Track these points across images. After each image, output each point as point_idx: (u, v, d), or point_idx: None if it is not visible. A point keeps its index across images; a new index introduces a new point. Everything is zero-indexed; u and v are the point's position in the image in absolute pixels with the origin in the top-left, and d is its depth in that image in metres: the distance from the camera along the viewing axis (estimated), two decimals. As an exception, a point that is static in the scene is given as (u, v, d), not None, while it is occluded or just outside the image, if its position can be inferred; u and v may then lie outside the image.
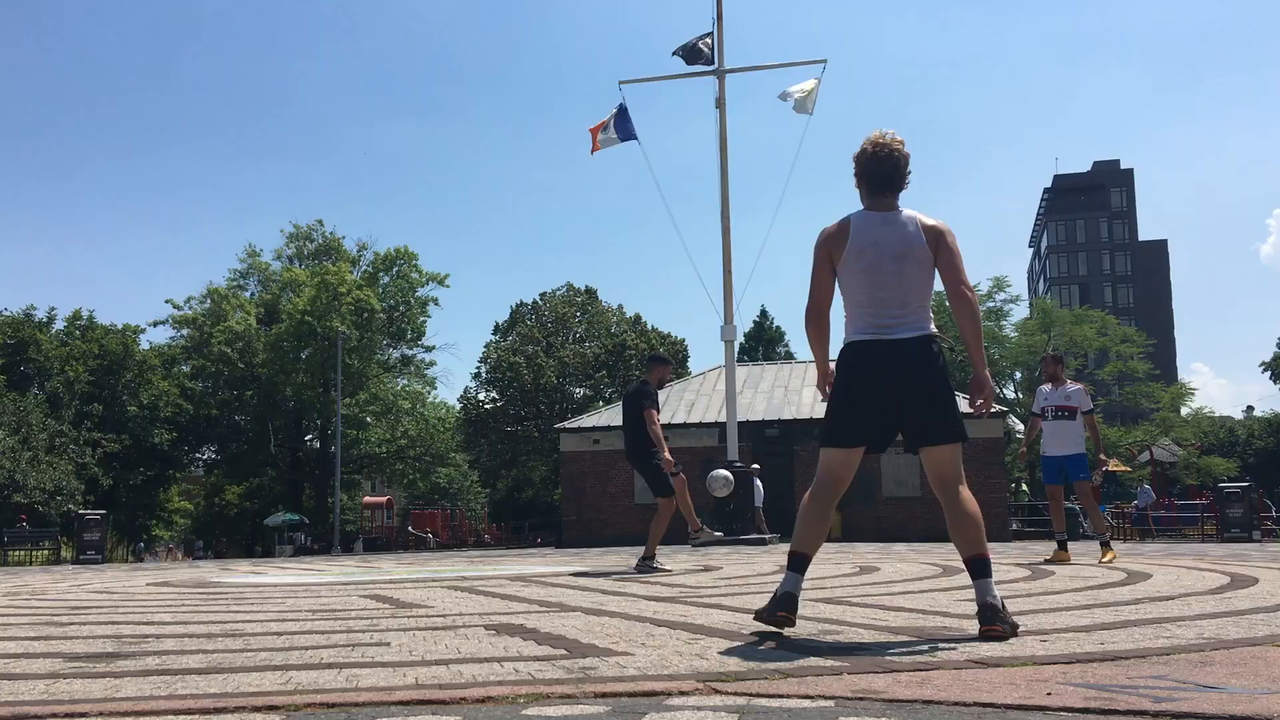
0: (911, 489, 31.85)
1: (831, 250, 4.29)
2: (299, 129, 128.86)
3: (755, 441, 31.60)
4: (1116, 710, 2.55)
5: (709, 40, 23.03)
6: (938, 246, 4.23)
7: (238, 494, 60.52)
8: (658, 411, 9.59)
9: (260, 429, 51.83)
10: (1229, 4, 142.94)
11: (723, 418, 24.18)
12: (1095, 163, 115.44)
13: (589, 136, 24.00)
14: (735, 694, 2.84)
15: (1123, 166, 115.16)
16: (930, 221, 4.27)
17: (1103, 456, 11.07)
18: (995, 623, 3.87)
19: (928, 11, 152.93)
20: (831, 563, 10.39)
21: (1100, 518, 10.74)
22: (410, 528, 47.39)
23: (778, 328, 66.69)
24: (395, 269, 53.45)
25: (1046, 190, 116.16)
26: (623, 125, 23.93)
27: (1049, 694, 2.74)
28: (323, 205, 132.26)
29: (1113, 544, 14.41)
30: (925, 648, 3.68)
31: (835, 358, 4.41)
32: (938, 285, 4.32)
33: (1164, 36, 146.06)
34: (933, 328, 4.27)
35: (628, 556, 14.20)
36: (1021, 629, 4.12)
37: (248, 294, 56.10)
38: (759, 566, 9.81)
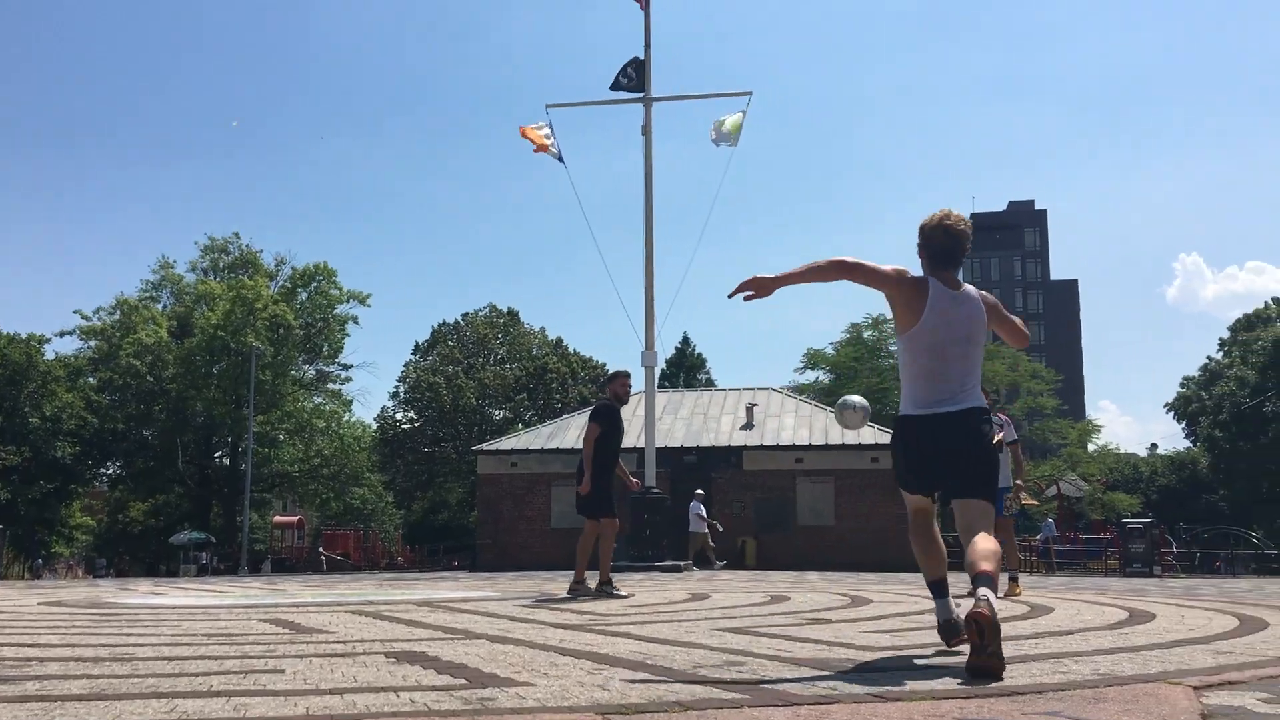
0: (826, 518, 32.15)
1: (908, 296, 4.44)
2: (218, 140, 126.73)
3: (673, 468, 31.64)
4: (1009, 747, 2.57)
5: (637, 66, 23.17)
6: (992, 319, 4.67)
7: (143, 511, 58.86)
8: (601, 427, 9.43)
9: (168, 444, 50.53)
10: (1143, 52, 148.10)
11: (641, 443, 24.23)
12: (1010, 202, 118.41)
13: (511, 154, 24.03)
14: (633, 727, 2.80)
15: (1037, 207, 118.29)
16: (989, 298, 4.66)
17: (1019, 483, 10.74)
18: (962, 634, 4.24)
19: (851, 48, 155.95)
20: (743, 591, 10.41)
21: (1014, 552, 10.64)
22: (321, 549, 46.54)
23: (699, 355, 67.02)
24: (314, 285, 52.65)
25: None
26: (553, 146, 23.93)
27: (944, 730, 2.75)
28: (240, 218, 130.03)
29: (1019, 578, 14.69)
30: (828, 681, 3.69)
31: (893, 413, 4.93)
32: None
33: (1080, 81, 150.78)
34: (981, 399, 4.56)
35: (540, 582, 14.08)
36: (922, 661, 4.15)
37: (160, 306, 54.80)
38: (671, 594, 9.78)
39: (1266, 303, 55.22)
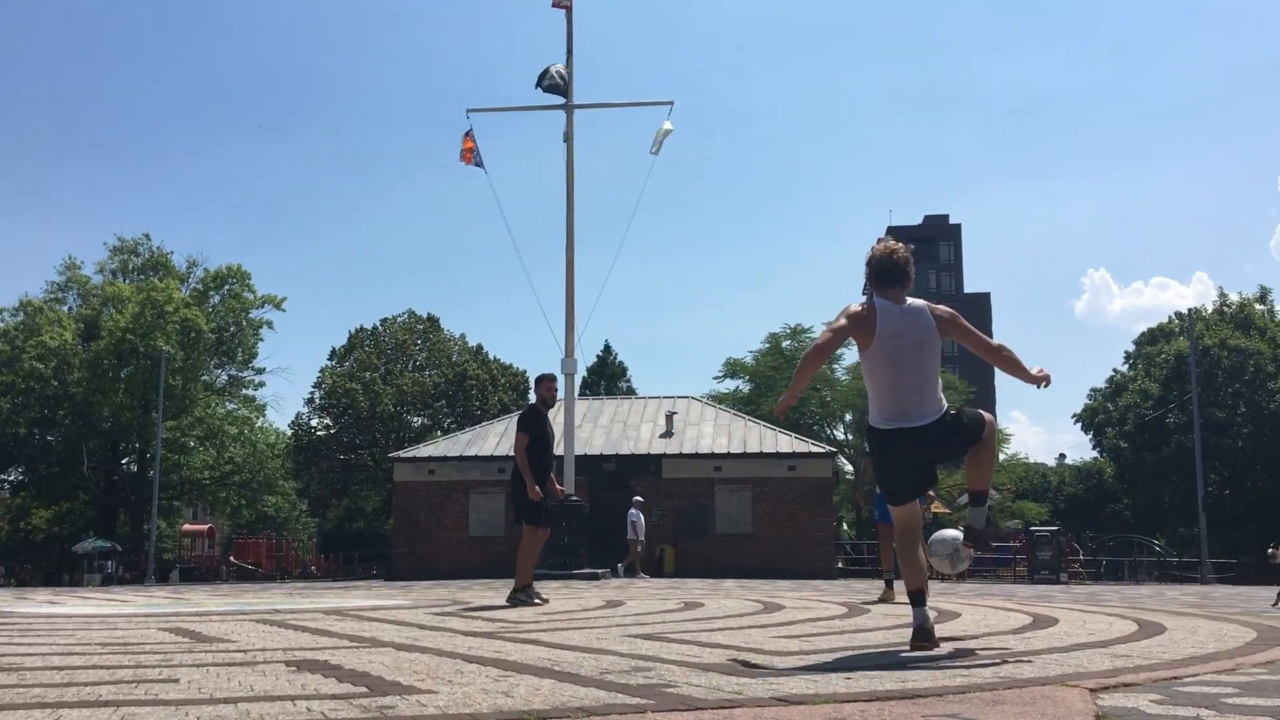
0: (743, 526, 32.34)
1: (858, 332, 4.98)
2: (127, 138, 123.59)
3: (592, 475, 31.56)
4: (906, 748, 2.59)
5: (561, 71, 23.13)
6: (948, 329, 5.02)
7: (45, 518, 56.99)
8: (530, 435, 9.30)
9: (73, 450, 49.03)
10: (1055, 72, 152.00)
11: (560, 450, 24.12)
12: (926, 216, 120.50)
13: (433, 158, 23.83)
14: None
15: (951, 221, 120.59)
16: (940, 308, 5.06)
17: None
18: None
19: (772, 62, 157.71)
20: (658, 598, 10.41)
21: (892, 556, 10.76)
22: (233, 558, 45.51)
23: (620, 363, 67.06)
24: (227, 288, 51.56)
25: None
26: (474, 152, 23.78)
27: (844, 732, 2.77)
28: (151, 219, 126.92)
29: (929, 584, 14.90)
30: (734, 685, 3.69)
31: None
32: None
33: (994, 99, 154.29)
34: (944, 405, 5.00)
35: (455, 590, 13.94)
36: (828, 665, 4.19)
37: (65, 308, 53.19)
38: (586, 601, 9.74)
39: (1170, 317, 56.98)
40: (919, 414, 4.88)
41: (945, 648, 5.14)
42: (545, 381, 9.72)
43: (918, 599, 4.94)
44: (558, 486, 10.24)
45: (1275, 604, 11.92)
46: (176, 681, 3.85)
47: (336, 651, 4.97)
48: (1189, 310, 41.36)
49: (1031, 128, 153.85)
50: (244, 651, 5.02)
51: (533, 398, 9.94)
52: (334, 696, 3.43)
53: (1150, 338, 55.38)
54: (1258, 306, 51.90)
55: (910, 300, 5.04)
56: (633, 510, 25.87)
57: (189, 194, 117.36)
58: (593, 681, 3.78)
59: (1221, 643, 5.53)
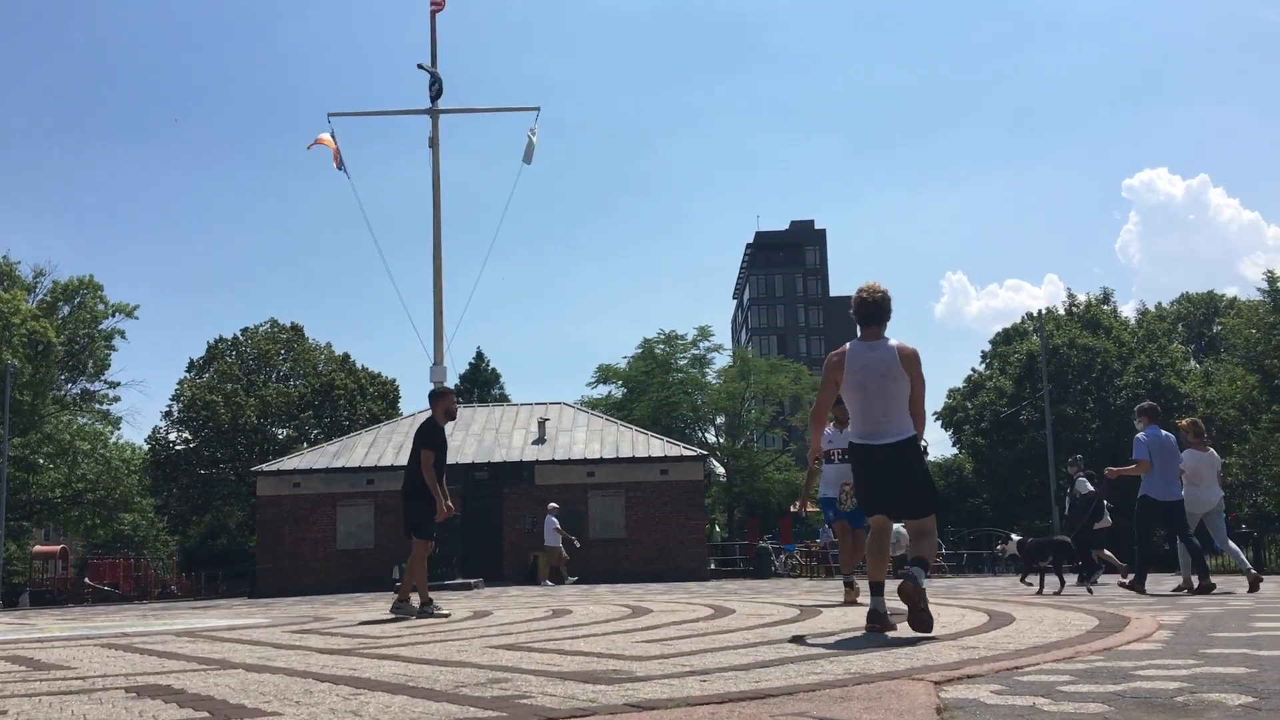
0: (618, 530, 32.39)
1: (835, 375, 6.04)
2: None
3: (465, 484, 31.20)
4: (751, 750, 2.61)
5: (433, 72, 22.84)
6: (908, 366, 5.89)
7: (-121, 544, 53.61)
8: (437, 452, 9.30)
9: (-91, 471, 46.23)
10: (913, 81, 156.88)
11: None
12: (793, 222, 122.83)
13: (294, 164, 23.29)
14: (378, 753, 2.70)
15: (817, 226, 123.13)
16: (907, 350, 5.93)
17: (846, 485, 9.58)
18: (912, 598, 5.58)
19: (639, 70, 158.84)
20: (527, 607, 10.34)
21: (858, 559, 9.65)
22: (88, 579, 43.53)
23: (493, 370, 66.48)
24: (77, 299, 49.36)
25: (749, 245, 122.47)
26: (336, 156, 23.30)
27: (691, 736, 2.78)
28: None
29: (801, 581, 15.23)
30: (590, 693, 3.67)
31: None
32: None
33: (855, 107, 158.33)
34: (910, 430, 5.90)
35: (320, 606, 13.60)
36: (686, 669, 4.21)
37: (-101, 320, 50.14)
38: (454, 612, 9.61)
39: (1023, 317, 59.35)
40: (884, 433, 5.87)
41: (804, 647, 5.23)
42: (448, 396, 9.80)
43: (878, 589, 5.84)
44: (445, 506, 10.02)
45: (1023, 579, 12.54)
46: (4, 714, 3.65)
47: (182, 675, 4.78)
48: (1040, 311, 43.14)
49: (891, 137, 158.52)
50: (83, 679, 4.79)
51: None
52: (172, 723, 3.30)
53: (1005, 337, 57.55)
54: (1104, 307, 54.44)
55: (887, 340, 5.98)
56: (550, 517, 25.78)
57: (33, 199, 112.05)
58: (446, 696, 3.72)
59: (1064, 631, 5.76)
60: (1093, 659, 4.47)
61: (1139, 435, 11.31)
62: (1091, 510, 14.42)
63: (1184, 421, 12.32)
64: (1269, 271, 39.53)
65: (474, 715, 3.25)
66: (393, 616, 9.04)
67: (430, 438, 9.33)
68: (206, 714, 3.48)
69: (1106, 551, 14.86)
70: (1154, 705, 3.20)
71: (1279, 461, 33.26)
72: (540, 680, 4.10)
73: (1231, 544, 11.97)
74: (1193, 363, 54.65)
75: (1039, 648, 4.91)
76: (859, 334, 6.13)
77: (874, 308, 6.03)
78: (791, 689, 3.64)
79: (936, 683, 3.75)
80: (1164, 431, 11.32)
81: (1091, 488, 13.49)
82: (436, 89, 22.72)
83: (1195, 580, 10.77)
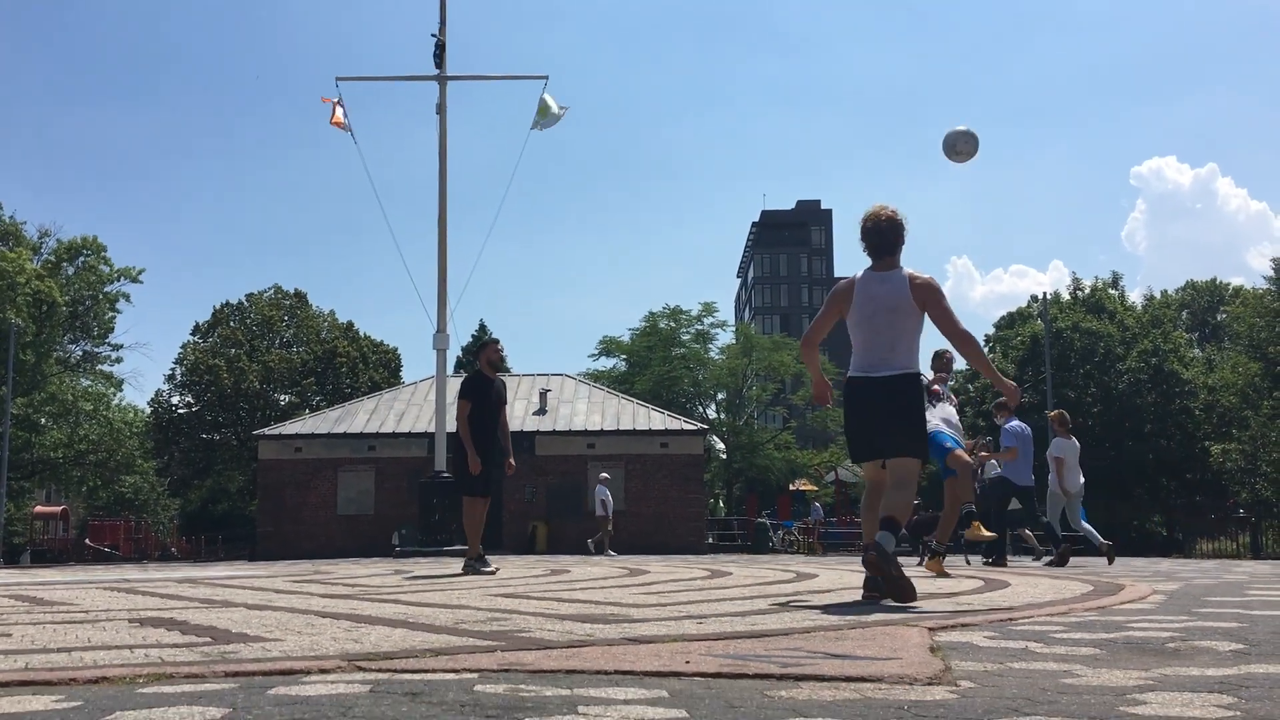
0: (617, 502, 32.43)
1: (841, 305, 5.40)
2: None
3: (463, 453, 31.31)
4: (745, 674, 2.65)
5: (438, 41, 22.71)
6: (926, 302, 5.25)
7: (-119, 501, 53.81)
8: (472, 403, 8.93)
9: (-88, 428, 46.36)
10: (921, 65, 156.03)
11: (432, 428, 23.84)
12: (799, 201, 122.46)
13: (301, 129, 23.18)
14: (379, 670, 2.74)
15: (823, 206, 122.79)
16: (921, 279, 5.29)
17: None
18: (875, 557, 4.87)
19: (648, 46, 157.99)
20: (526, 567, 10.41)
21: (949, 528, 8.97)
22: (88, 540, 43.75)
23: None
24: (81, 260, 49.33)
25: (754, 224, 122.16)
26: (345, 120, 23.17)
27: (687, 662, 2.82)
28: (2, 187, 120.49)
29: (799, 557, 15.27)
30: (587, 630, 3.72)
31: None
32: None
33: (863, 89, 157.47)
34: (915, 366, 5.29)
35: (324, 565, 13.68)
36: (683, 614, 4.25)
37: (-95, 278, 50.14)
38: (452, 567, 9.67)
39: (1028, 300, 59.26)
40: (884, 368, 5.21)
41: (799, 600, 5.27)
42: (490, 346, 9.36)
43: (888, 523, 5.13)
44: (510, 460, 9.44)
45: (986, 560, 12.68)
46: (9, 635, 3.70)
47: (185, 611, 4.84)
48: (1044, 294, 43.04)
49: (899, 119, 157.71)
50: (86, 612, 4.85)
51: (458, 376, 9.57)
52: (175, 645, 3.34)
53: (1009, 321, 57.43)
54: (1110, 291, 54.32)
55: (898, 269, 5.33)
56: (600, 488, 25.70)
57: (42, 162, 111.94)
58: (445, 629, 3.77)
59: (1059, 594, 5.81)
60: (1086, 615, 4.51)
61: (1007, 425, 12.22)
62: (1003, 492, 14.69)
63: (1052, 414, 13.40)
64: (1276, 259, 39.44)
65: (473, 644, 3.30)
66: (461, 573, 8.88)
67: (466, 388, 8.98)
68: (209, 639, 3.53)
69: (1027, 531, 15.52)
70: (1145, 650, 3.24)
71: (1279, 448, 33.28)
72: (539, 620, 4.15)
73: (1085, 524, 12.72)
74: (1196, 350, 54.61)
75: (1033, 605, 4.95)
76: (871, 264, 5.42)
77: (883, 234, 5.35)
78: (787, 630, 3.68)
79: (931, 629, 3.79)
80: (1024, 425, 12.48)
81: (999, 471, 13.76)
82: (439, 54, 22.58)
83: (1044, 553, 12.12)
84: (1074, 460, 12.62)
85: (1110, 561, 11.68)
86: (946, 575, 7.90)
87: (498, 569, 9.00)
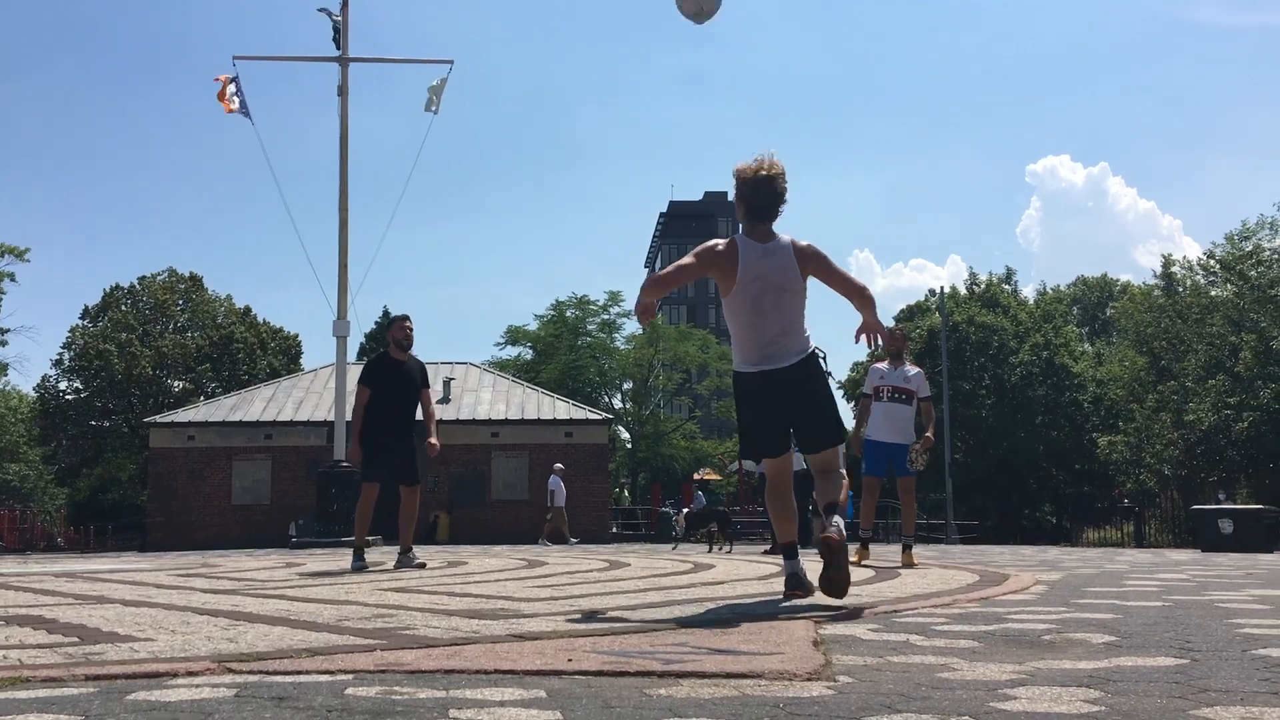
0: (520, 492, 32.35)
1: (719, 270, 4.63)
2: None
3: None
4: (627, 672, 2.63)
5: (337, 19, 22.28)
6: (818, 271, 4.68)
7: None
8: (370, 389, 8.26)
9: None
10: (822, 58, 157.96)
11: (332, 416, 23.44)
12: (706, 192, 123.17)
13: (197, 108, 22.57)
14: (249, 672, 2.66)
15: (730, 198, 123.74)
16: (805, 246, 4.67)
17: (916, 446, 8.77)
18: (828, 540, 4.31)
19: (556, 34, 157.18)
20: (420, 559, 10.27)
21: (913, 518, 9.33)
22: (-32, 531, 42.03)
23: (398, 329, 65.56)
24: (-38, 239, 47.31)
25: (662, 215, 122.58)
26: (239, 101, 22.59)
27: (569, 660, 2.79)
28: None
29: (700, 546, 15.43)
30: (473, 626, 3.66)
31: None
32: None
33: (769, 82, 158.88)
34: (810, 345, 4.72)
35: (214, 558, 13.32)
36: (574, 609, 4.23)
37: None
38: (343, 563, 9.49)
39: (927, 294, 60.53)
40: (782, 355, 4.62)
41: (691, 593, 5.28)
42: (397, 323, 8.61)
43: (790, 551, 4.79)
44: (431, 440, 8.54)
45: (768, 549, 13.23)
46: None
47: (56, 609, 4.65)
48: (941, 289, 44.02)
49: (804, 113, 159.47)
50: (-51, 611, 4.63)
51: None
52: (39, 646, 3.21)
53: (908, 314, 58.60)
54: (1004, 286, 55.76)
55: (778, 237, 4.65)
56: (553, 478, 25.31)
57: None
58: (327, 627, 3.68)
59: (946, 585, 5.92)
60: (969, 606, 4.60)
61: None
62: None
63: None
64: (1166, 255, 40.90)
65: (353, 642, 3.22)
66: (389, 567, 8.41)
67: (365, 373, 8.36)
68: (76, 639, 3.39)
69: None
70: (1021, 642, 3.31)
71: (1161, 440, 34.57)
72: (425, 616, 4.08)
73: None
74: (1086, 344, 56.42)
75: (919, 596, 5.03)
76: (743, 229, 4.73)
77: (769, 194, 4.63)
78: (673, 626, 3.67)
79: (818, 621, 3.82)
80: None
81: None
82: (335, 34, 22.15)
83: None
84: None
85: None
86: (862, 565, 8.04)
87: (413, 562, 8.26)
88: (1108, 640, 3.35)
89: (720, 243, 4.71)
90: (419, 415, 8.53)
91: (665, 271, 4.72)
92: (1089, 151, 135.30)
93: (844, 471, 4.87)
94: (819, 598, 4.49)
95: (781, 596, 4.72)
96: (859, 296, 4.82)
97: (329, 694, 2.34)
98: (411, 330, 8.66)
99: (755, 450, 4.91)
